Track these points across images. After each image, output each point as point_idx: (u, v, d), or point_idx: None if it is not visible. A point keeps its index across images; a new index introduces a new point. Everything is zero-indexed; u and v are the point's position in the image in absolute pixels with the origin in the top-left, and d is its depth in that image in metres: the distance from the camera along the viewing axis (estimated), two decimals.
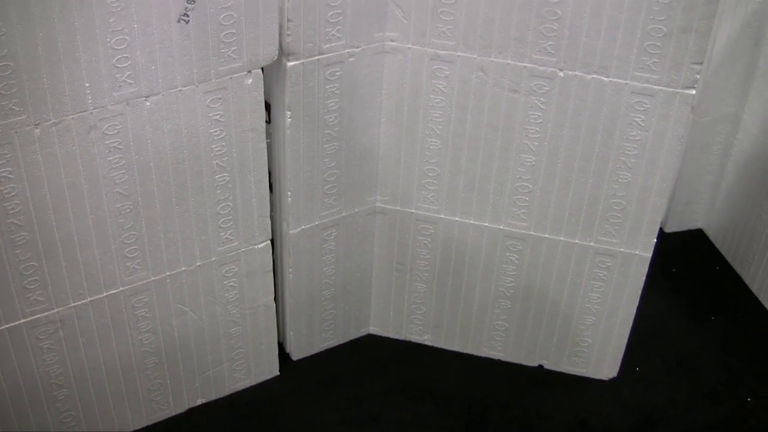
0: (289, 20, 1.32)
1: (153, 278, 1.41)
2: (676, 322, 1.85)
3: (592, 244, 1.52)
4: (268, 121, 1.46)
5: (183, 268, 1.43)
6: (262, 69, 1.34)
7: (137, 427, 1.55)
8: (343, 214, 1.56)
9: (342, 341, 1.74)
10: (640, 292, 1.57)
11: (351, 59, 1.41)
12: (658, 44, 1.33)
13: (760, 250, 1.88)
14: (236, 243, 1.46)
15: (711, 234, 2.07)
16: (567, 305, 1.61)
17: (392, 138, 1.51)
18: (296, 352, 1.70)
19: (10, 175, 1.20)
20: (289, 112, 1.40)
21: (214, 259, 1.46)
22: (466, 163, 1.50)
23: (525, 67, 1.39)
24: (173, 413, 1.58)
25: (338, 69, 1.41)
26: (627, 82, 1.36)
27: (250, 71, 1.32)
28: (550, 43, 1.36)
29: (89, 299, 1.37)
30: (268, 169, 1.45)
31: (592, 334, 1.63)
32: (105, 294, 1.38)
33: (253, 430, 1.59)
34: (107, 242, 1.33)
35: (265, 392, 1.65)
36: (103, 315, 1.39)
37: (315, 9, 1.33)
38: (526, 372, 1.71)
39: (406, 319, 1.72)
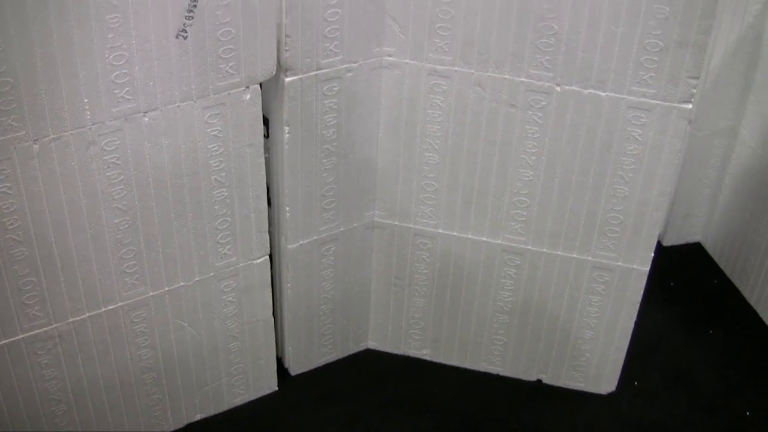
0: (287, 36, 1.32)
1: (151, 293, 1.41)
2: (675, 335, 1.85)
3: (589, 258, 1.53)
4: (267, 136, 1.47)
5: (181, 284, 1.43)
6: (260, 84, 1.35)
7: None
8: (342, 229, 1.57)
9: (340, 356, 1.74)
10: (638, 306, 1.57)
11: (349, 74, 1.41)
12: (655, 59, 1.33)
13: (758, 263, 1.88)
14: (235, 258, 1.47)
15: (709, 247, 2.08)
16: (565, 319, 1.61)
17: (390, 153, 1.51)
18: (295, 367, 1.70)
19: (8, 191, 1.20)
20: (287, 127, 1.40)
21: (212, 274, 1.46)
22: (463, 178, 1.50)
23: (522, 81, 1.39)
24: (172, 428, 1.58)
25: (336, 84, 1.41)
26: (624, 96, 1.37)
27: (248, 87, 1.33)
28: (547, 57, 1.36)
29: (88, 315, 1.37)
30: (267, 184, 1.45)
31: (591, 348, 1.63)
32: (103, 309, 1.38)
33: None
34: (106, 258, 1.34)
35: (264, 407, 1.65)
36: (102, 330, 1.39)
37: (313, 25, 1.34)
38: (525, 386, 1.71)
39: (405, 333, 1.72)
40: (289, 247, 1.53)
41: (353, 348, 1.75)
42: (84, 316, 1.36)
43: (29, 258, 1.27)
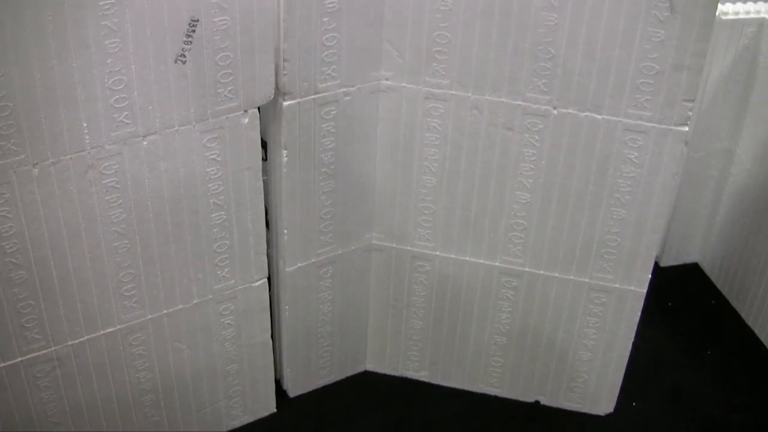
0: (285, 60, 1.33)
1: (150, 316, 1.42)
2: (673, 356, 1.85)
3: (587, 280, 1.53)
4: (265, 159, 1.47)
5: (180, 306, 1.44)
6: (259, 108, 1.36)
7: None
8: (339, 252, 1.57)
9: (339, 378, 1.74)
10: (635, 327, 1.57)
11: (346, 98, 1.42)
12: (651, 82, 1.34)
13: (756, 283, 1.89)
14: (233, 281, 1.47)
15: (706, 268, 2.08)
16: (563, 341, 1.61)
17: (388, 176, 1.52)
18: (293, 389, 1.70)
19: (8, 215, 1.21)
20: (285, 151, 1.41)
21: (210, 297, 1.46)
22: (461, 201, 1.50)
23: (519, 105, 1.40)
24: None
25: (334, 108, 1.42)
26: (620, 119, 1.38)
27: (246, 111, 1.33)
28: (544, 81, 1.37)
29: (86, 337, 1.37)
30: (265, 207, 1.45)
31: (588, 369, 1.64)
32: (102, 332, 1.38)
33: None
34: (104, 281, 1.34)
35: (262, 429, 1.65)
36: (100, 353, 1.40)
37: (311, 49, 1.34)
38: (523, 408, 1.71)
39: (403, 355, 1.72)
40: (288, 269, 1.53)
41: (351, 370, 1.75)
42: (82, 338, 1.37)
43: (28, 281, 1.27)
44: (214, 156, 1.34)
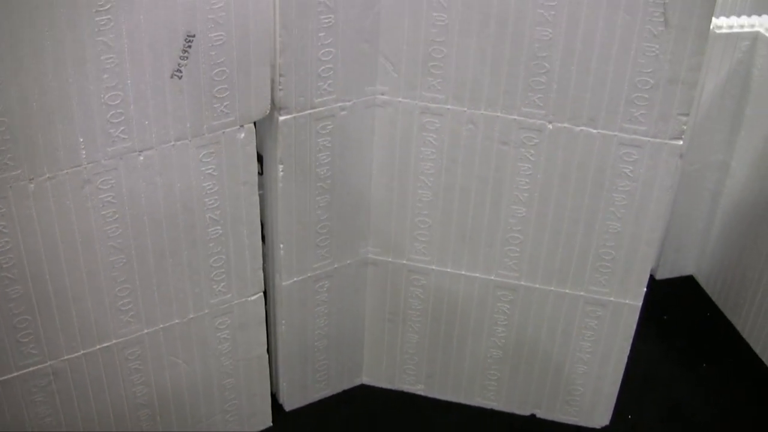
0: (281, 75, 1.34)
1: (146, 331, 1.42)
2: (668, 369, 1.86)
3: (582, 293, 1.53)
4: (261, 173, 1.47)
5: (176, 321, 1.44)
6: (255, 123, 1.36)
7: None
8: (336, 266, 1.57)
9: (335, 391, 1.74)
10: (630, 340, 1.57)
11: (342, 113, 1.42)
12: (646, 96, 1.34)
13: (751, 296, 1.89)
14: (229, 295, 1.47)
15: (702, 281, 2.08)
16: (558, 354, 1.62)
17: (384, 190, 1.52)
18: (289, 403, 1.70)
19: (4, 230, 1.21)
20: (281, 166, 1.41)
21: (207, 311, 1.46)
22: (457, 215, 1.51)
23: (514, 119, 1.40)
24: None
25: (330, 123, 1.42)
26: (615, 133, 1.38)
27: (242, 126, 1.34)
28: (539, 96, 1.37)
29: (82, 352, 1.37)
30: (261, 221, 1.46)
31: (584, 382, 1.64)
32: (98, 347, 1.38)
33: None
34: (101, 295, 1.34)
35: None
36: (96, 368, 1.40)
37: (306, 64, 1.35)
38: (519, 421, 1.71)
39: (399, 369, 1.72)
40: (284, 284, 1.53)
41: (347, 384, 1.75)
42: (79, 353, 1.37)
43: (24, 296, 1.27)
44: (210, 171, 1.34)
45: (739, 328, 1.94)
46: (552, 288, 1.54)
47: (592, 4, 1.29)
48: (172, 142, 1.29)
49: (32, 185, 1.20)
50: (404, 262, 1.58)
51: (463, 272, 1.56)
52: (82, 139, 1.21)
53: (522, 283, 1.55)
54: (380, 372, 1.74)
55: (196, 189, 1.34)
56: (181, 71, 1.24)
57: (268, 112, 1.35)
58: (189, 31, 1.22)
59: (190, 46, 1.23)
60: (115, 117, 1.22)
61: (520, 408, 1.71)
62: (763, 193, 1.83)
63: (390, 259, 1.59)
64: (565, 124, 1.39)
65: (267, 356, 1.59)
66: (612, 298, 1.53)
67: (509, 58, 1.36)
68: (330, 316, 1.62)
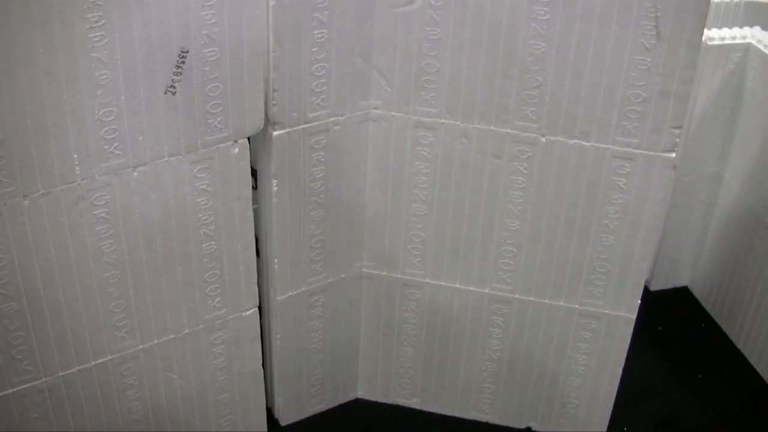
0: (274, 90, 1.34)
1: (141, 346, 1.41)
2: (663, 380, 1.86)
3: (576, 306, 1.54)
4: (255, 188, 1.47)
5: (171, 336, 1.44)
6: (249, 138, 1.36)
7: None
8: (330, 280, 1.57)
9: (330, 406, 1.74)
10: (625, 353, 1.57)
11: (336, 127, 1.43)
12: (638, 109, 1.35)
13: (745, 307, 1.89)
14: (224, 310, 1.47)
15: (696, 292, 2.09)
16: (553, 367, 1.62)
17: (378, 204, 1.52)
18: (284, 418, 1.70)
19: None
20: (275, 180, 1.41)
21: (202, 326, 1.46)
22: (451, 228, 1.51)
23: (507, 133, 1.41)
24: None
25: (323, 137, 1.42)
26: (608, 146, 1.38)
27: (236, 141, 1.34)
28: (532, 109, 1.38)
29: (77, 368, 1.37)
30: (255, 235, 1.46)
31: (579, 395, 1.64)
32: (93, 363, 1.38)
33: None
34: (95, 311, 1.34)
35: None
36: (92, 384, 1.39)
37: (300, 79, 1.35)
38: None
39: (394, 382, 1.72)
40: (278, 298, 1.53)
41: (343, 398, 1.75)
42: (73, 369, 1.36)
43: (19, 312, 1.27)
44: (204, 186, 1.34)
45: (733, 338, 1.95)
46: (546, 301, 1.54)
47: (584, 18, 1.30)
48: (166, 158, 1.29)
49: (26, 201, 1.20)
50: (398, 275, 1.59)
51: (457, 285, 1.57)
52: (76, 156, 1.21)
53: (516, 296, 1.55)
54: (375, 386, 1.74)
55: (191, 204, 1.34)
56: (174, 87, 1.24)
57: (261, 127, 1.36)
58: (183, 46, 1.22)
59: (183, 62, 1.23)
60: (109, 133, 1.22)
61: (516, 421, 1.71)
62: (756, 204, 1.84)
63: (384, 273, 1.59)
64: (558, 138, 1.39)
65: (262, 371, 1.59)
66: (606, 311, 1.53)
67: (502, 71, 1.36)
68: (325, 330, 1.62)
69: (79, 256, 1.28)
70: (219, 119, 1.30)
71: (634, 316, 1.53)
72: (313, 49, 1.34)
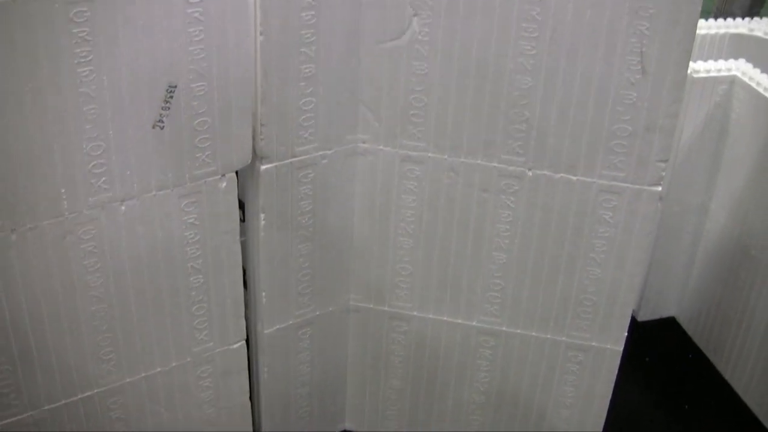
0: (262, 125, 1.34)
1: (128, 380, 1.41)
2: (650, 411, 1.86)
3: (564, 338, 1.54)
4: (243, 220, 1.48)
5: (158, 369, 1.43)
6: (236, 171, 1.36)
7: None
8: (318, 313, 1.57)
9: None
10: (612, 384, 1.58)
11: (323, 161, 1.43)
12: (624, 143, 1.35)
13: (732, 337, 1.90)
14: (211, 343, 1.47)
15: (683, 322, 2.09)
16: (541, 399, 1.62)
17: (365, 237, 1.52)
18: None
19: None
20: (263, 214, 1.41)
21: (189, 359, 1.46)
22: (438, 261, 1.51)
23: (495, 167, 1.41)
24: None
25: (311, 171, 1.43)
26: (594, 180, 1.39)
27: (224, 175, 1.34)
28: (519, 143, 1.38)
29: (64, 402, 1.36)
30: (243, 267, 1.46)
31: (567, 427, 1.64)
32: (80, 396, 1.37)
33: None
34: (82, 345, 1.33)
35: None
36: (78, 417, 1.39)
37: (287, 113, 1.36)
38: None
39: (381, 415, 1.72)
40: (266, 331, 1.53)
41: (330, 429, 1.75)
42: (60, 403, 1.36)
43: (5, 346, 1.26)
44: (191, 220, 1.34)
45: (720, 368, 1.95)
46: (533, 333, 1.55)
47: (570, 53, 1.31)
48: (154, 192, 1.29)
49: (14, 236, 1.20)
50: (386, 308, 1.59)
51: (444, 318, 1.57)
52: (63, 190, 1.21)
53: (503, 328, 1.55)
54: (363, 418, 1.74)
55: (178, 238, 1.34)
56: (163, 121, 1.24)
57: (249, 161, 1.36)
58: (171, 81, 1.23)
59: (171, 97, 1.23)
60: (97, 167, 1.22)
61: None
62: (743, 235, 1.85)
63: (372, 306, 1.59)
64: (545, 172, 1.40)
65: (250, 404, 1.59)
66: (593, 343, 1.53)
67: (489, 106, 1.37)
68: (312, 362, 1.62)
69: (66, 289, 1.28)
70: (207, 153, 1.31)
71: (621, 348, 1.53)
72: (301, 84, 1.35)
